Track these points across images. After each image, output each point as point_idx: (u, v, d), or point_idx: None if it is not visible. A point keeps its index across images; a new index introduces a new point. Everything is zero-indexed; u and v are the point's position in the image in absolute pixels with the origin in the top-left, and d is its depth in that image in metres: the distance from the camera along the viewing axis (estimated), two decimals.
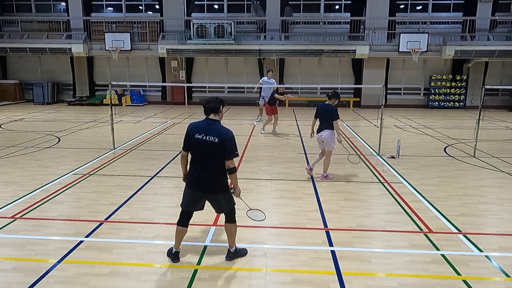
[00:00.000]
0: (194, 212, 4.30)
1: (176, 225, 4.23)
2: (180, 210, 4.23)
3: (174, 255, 4.22)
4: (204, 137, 3.91)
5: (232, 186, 4.15)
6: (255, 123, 14.14)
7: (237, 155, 4.00)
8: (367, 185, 7.13)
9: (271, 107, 12.06)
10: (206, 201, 4.21)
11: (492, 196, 6.54)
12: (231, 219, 4.22)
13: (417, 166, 8.36)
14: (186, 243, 4.53)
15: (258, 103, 14.23)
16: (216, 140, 3.88)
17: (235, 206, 4.25)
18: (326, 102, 7.20)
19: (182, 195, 4.21)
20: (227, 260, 4.24)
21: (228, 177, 4.07)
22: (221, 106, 4.07)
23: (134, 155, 9.18)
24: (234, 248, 4.29)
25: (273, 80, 13.54)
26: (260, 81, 13.85)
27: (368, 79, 19.05)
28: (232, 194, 4.17)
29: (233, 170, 4.00)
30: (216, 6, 20.10)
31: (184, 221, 4.20)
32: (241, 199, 4.26)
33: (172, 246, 4.28)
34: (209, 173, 3.96)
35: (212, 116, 4.02)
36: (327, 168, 7.37)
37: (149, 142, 10.75)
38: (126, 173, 7.64)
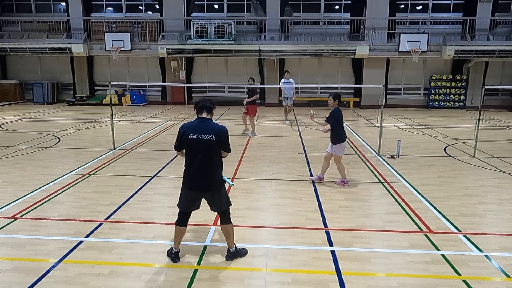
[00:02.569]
0: (194, 212, 4.30)
1: (175, 225, 4.23)
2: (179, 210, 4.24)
3: (174, 255, 4.22)
4: (199, 136, 3.92)
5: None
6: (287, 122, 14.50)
7: (231, 150, 4.19)
8: (367, 185, 7.12)
9: (252, 107, 11.78)
10: (203, 201, 4.22)
11: (492, 196, 6.54)
12: (226, 219, 4.23)
13: (417, 166, 8.36)
14: (186, 243, 4.54)
15: (283, 105, 14.97)
16: (214, 137, 3.93)
17: (229, 207, 4.26)
18: (339, 106, 6.89)
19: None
20: (227, 260, 4.24)
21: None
22: (214, 108, 4.14)
23: (134, 155, 9.18)
24: (234, 248, 4.29)
25: (292, 80, 14.05)
26: (280, 83, 14.45)
27: (368, 79, 19.05)
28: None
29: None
30: (216, 6, 20.10)
31: (182, 221, 4.20)
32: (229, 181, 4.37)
33: (172, 246, 4.28)
34: (206, 171, 3.99)
35: (204, 115, 4.06)
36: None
37: (149, 142, 10.75)
38: (126, 173, 7.64)
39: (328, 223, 5.30)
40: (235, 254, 4.28)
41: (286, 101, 14.49)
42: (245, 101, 11.80)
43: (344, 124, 7.20)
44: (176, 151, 4.17)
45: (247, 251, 4.40)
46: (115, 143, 9.83)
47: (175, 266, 4.14)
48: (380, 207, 6.01)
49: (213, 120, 4.13)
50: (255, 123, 12.25)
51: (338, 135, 6.84)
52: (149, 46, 18.99)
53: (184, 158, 4.13)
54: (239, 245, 4.41)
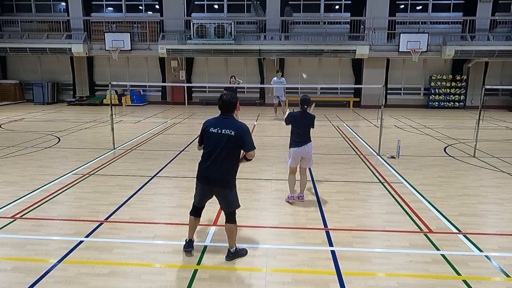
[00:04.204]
0: None
1: (189, 215, 4.34)
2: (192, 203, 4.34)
3: (187, 244, 4.33)
4: (220, 131, 4.01)
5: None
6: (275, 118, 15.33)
7: (255, 147, 4.11)
8: (367, 185, 7.12)
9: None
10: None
11: (492, 196, 6.54)
12: (231, 219, 4.24)
13: (417, 166, 8.36)
14: None
15: (273, 102, 15.69)
16: (233, 133, 3.99)
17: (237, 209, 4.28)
18: (300, 110, 5.95)
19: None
20: (227, 260, 4.25)
21: (244, 162, 4.23)
22: (236, 104, 4.24)
23: (134, 155, 9.18)
24: (234, 248, 4.30)
25: (283, 79, 14.54)
26: (271, 82, 15.15)
27: (368, 79, 19.05)
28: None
29: (251, 159, 4.19)
30: (216, 6, 20.10)
31: (196, 212, 4.32)
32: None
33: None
34: (220, 167, 4.03)
35: (227, 113, 4.15)
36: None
37: (149, 142, 10.75)
38: (126, 173, 7.64)
39: (328, 223, 5.30)
40: (235, 254, 4.28)
41: (277, 99, 15.20)
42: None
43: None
44: (198, 147, 4.29)
45: (247, 251, 4.40)
46: (115, 143, 9.83)
47: (175, 266, 4.14)
48: (380, 207, 6.01)
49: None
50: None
51: (290, 139, 6.03)
52: (149, 46, 18.98)
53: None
54: (240, 245, 4.41)
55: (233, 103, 4.12)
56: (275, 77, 14.91)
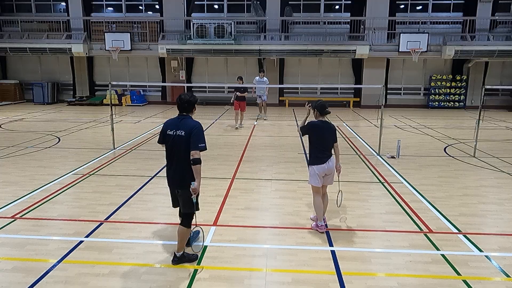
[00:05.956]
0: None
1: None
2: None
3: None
4: (174, 133, 4.00)
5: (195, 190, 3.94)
6: (257, 117, 15.76)
7: (203, 148, 3.90)
8: (367, 185, 7.12)
9: (240, 103, 13.11)
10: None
11: (492, 196, 6.54)
12: (186, 223, 4.14)
13: (417, 166, 8.36)
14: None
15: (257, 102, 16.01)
16: (183, 133, 3.94)
17: (195, 212, 4.09)
18: (321, 119, 5.13)
19: None
20: (173, 264, 4.15)
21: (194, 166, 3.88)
22: (195, 104, 4.17)
23: (134, 155, 9.18)
24: (181, 253, 4.18)
25: (265, 79, 14.79)
26: (253, 81, 15.39)
27: (368, 79, 19.04)
28: (193, 196, 3.93)
29: (197, 161, 3.85)
30: (216, 6, 20.10)
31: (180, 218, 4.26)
32: (193, 199, 3.94)
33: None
34: (178, 168, 4.03)
35: (184, 113, 4.12)
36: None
37: (149, 142, 10.75)
38: (126, 173, 7.64)
39: (328, 223, 5.30)
40: (181, 259, 4.17)
41: (260, 99, 15.51)
42: (232, 99, 13.31)
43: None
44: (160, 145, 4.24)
45: (197, 256, 4.28)
46: (115, 143, 9.83)
47: (175, 266, 4.14)
48: (380, 207, 6.01)
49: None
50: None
51: (310, 155, 5.16)
52: (149, 46, 18.97)
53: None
54: (239, 245, 4.41)
55: (191, 102, 4.06)
56: (257, 77, 15.20)
